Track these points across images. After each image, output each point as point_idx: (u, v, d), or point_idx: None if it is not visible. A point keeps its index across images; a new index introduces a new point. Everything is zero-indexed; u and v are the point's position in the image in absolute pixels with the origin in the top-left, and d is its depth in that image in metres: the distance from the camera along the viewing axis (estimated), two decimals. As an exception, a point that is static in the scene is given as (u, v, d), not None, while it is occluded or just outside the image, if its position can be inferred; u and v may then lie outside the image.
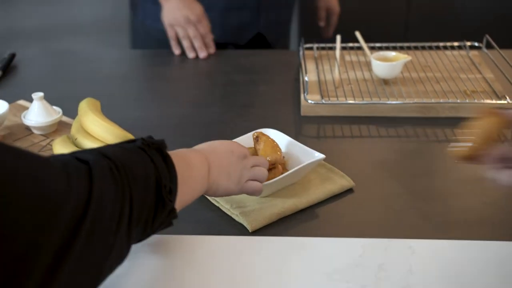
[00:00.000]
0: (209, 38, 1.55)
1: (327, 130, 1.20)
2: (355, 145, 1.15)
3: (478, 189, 1.00)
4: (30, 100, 1.17)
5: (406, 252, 0.84)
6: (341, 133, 1.19)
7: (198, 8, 1.53)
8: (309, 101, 1.22)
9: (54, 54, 1.67)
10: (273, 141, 1.01)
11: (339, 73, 1.34)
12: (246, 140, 1.03)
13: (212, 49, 1.56)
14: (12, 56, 1.52)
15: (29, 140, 1.13)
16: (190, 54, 1.55)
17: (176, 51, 1.56)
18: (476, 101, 1.23)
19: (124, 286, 0.78)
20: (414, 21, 2.52)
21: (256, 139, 1.01)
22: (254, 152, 1.00)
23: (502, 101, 1.23)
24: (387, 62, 1.30)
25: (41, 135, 1.15)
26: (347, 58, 1.44)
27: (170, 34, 1.55)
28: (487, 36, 1.48)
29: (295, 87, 1.35)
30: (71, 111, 1.18)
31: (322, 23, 1.84)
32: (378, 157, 1.11)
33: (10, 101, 1.22)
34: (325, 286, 0.78)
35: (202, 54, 1.54)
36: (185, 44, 1.55)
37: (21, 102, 1.27)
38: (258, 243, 0.87)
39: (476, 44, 1.50)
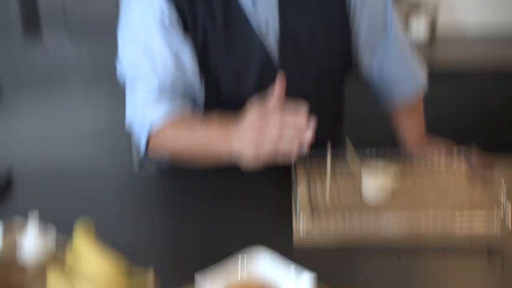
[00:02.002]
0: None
1: (320, 256, 1.20)
2: (353, 272, 1.16)
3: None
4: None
5: None
6: (336, 260, 1.19)
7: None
8: (301, 234, 1.24)
9: (50, 168, 1.69)
10: None
11: (330, 196, 1.35)
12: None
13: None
14: (9, 174, 1.50)
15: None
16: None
17: None
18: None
19: None
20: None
21: None
22: None
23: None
24: (377, 185, 1.32)
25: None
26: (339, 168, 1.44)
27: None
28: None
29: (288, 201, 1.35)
30: (67, 227, 1.14)
31: None
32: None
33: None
34: None
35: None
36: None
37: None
38: None
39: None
